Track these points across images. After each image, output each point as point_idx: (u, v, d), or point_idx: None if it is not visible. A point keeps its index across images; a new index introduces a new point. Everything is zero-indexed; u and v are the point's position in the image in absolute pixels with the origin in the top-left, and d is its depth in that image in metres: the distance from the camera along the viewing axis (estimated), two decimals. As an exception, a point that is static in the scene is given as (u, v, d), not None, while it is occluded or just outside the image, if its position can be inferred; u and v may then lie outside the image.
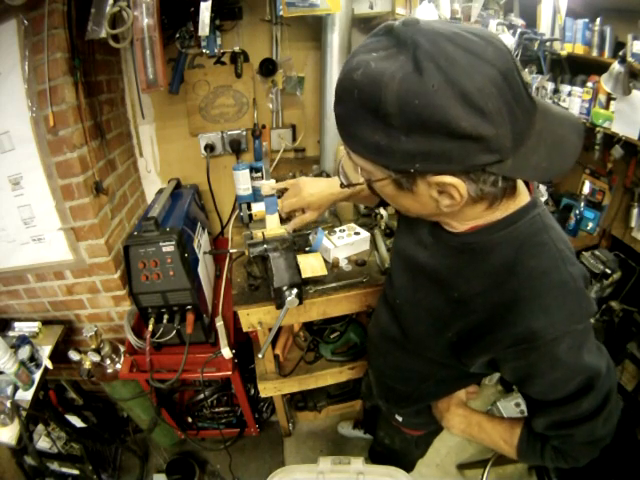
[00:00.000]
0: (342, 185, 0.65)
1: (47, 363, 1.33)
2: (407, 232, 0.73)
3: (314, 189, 0.95)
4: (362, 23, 1.63)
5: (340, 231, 1.32)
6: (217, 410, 1.74)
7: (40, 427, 1.50)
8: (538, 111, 0.45)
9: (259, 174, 1.49)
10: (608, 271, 1.41)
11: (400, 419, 0.99)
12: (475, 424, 0.79)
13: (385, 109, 0.39)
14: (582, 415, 0.57)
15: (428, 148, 0.40)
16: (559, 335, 0.51)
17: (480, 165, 0.42)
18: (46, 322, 1.48)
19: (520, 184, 0.55)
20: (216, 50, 1.56)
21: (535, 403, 0.62)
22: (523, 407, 1.71)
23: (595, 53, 1.41)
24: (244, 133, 1.75)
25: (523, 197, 0.55)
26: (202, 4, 1.20)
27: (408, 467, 1.26)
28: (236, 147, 1.76)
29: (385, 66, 0.40)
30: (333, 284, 1.19)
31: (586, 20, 1.40)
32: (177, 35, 1.49)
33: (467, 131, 0.38)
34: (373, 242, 1.34)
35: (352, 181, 0.63)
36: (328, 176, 1.61)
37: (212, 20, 1.37)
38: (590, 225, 1.67)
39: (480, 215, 0.54)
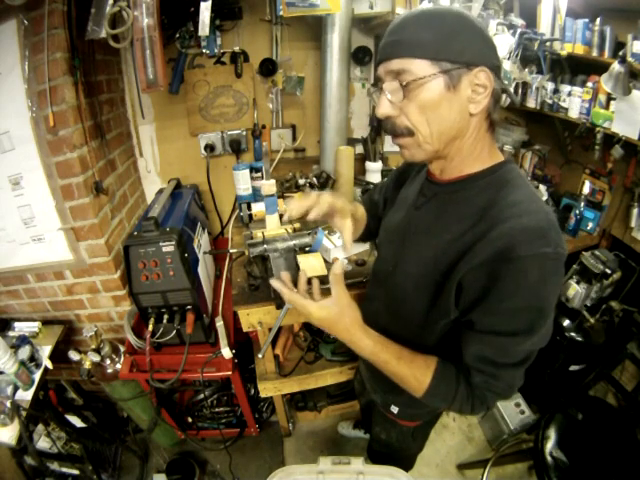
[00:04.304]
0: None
1: (47, 363, 1.33)
2: (397, 208, 0.86)
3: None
4: (362, 23, 1.63)
5: (340, 231, 1.32)
6: (217, 410, 1.74)
7: (40, 427, 1.50)
8: None
9: (259, 174, 1.49)
10: (608, 271, 1.41)
11: (396, 410, 1.00)
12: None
13: (450, 19, 0.60)
14: (516, 359, 0.64)
15: (473, 45, 0.60)
16: (532, 255, 0.56)
17: (495, 65, 0.62)
18: (46, 322, 1.48)
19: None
20: (216, 50, 1.56)
21: (477, 332, 0.64)
22: (523, 407, 1.70)
23: (595, 53, 1.41)
24: (244, 133, 1.76)
25: (500, 156, 0.69)
26: (202, 4, 1.20)
27: (407, 463, 1.26)
28: (236, 147, 1.76)
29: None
30: (333, 284, 1.19)
31: (586, 20, 1.40)
32: (177, 35, 1.49)
33: (489, 37, 0.62)
34: (373, 242, 1.34)
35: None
36: (328, 176, 1.61)
37: (212, 20, 1.37)
38: (590, 225, 1.67)
39: (478, 141, 0.66)
